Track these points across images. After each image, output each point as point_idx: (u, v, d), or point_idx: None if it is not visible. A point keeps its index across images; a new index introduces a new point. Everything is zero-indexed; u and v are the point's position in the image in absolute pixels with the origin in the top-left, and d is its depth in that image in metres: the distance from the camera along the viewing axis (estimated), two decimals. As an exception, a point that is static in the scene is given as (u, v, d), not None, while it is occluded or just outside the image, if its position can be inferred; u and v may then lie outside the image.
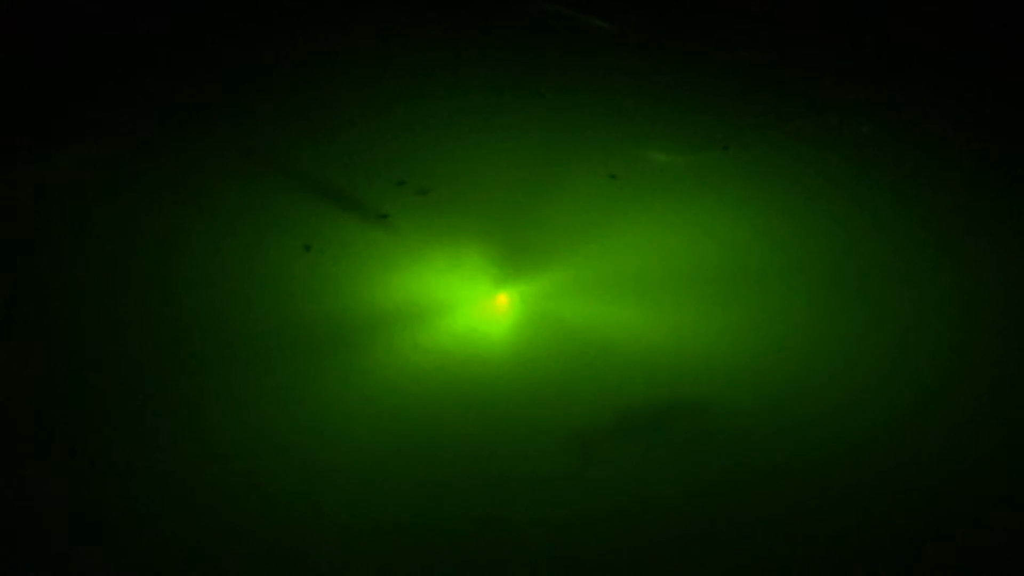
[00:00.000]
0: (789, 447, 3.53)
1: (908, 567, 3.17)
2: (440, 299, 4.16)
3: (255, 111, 5.06)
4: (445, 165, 4.75)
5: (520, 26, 5.45)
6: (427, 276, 4.26)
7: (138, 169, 4.76)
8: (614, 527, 3.28)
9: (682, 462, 3.48)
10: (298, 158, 4.81)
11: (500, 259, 4.34)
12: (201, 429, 3.62)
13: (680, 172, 4.70)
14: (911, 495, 3.36)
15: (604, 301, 4.13)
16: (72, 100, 5.12)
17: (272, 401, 3.73)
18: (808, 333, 3.94)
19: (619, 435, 3.59)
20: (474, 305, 4.15)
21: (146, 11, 5.45)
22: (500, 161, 4.77)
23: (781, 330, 3.95)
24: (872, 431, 3.57)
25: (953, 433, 3.55)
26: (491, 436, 3.62)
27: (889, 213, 4.46)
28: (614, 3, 5.55)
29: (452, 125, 4.96)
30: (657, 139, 4.87)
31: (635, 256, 4.32)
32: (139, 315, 4.06)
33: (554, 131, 4.92)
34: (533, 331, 4.03)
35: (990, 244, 4.29)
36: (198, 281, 4.21)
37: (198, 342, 3.96)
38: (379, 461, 3.53)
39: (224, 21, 5.52)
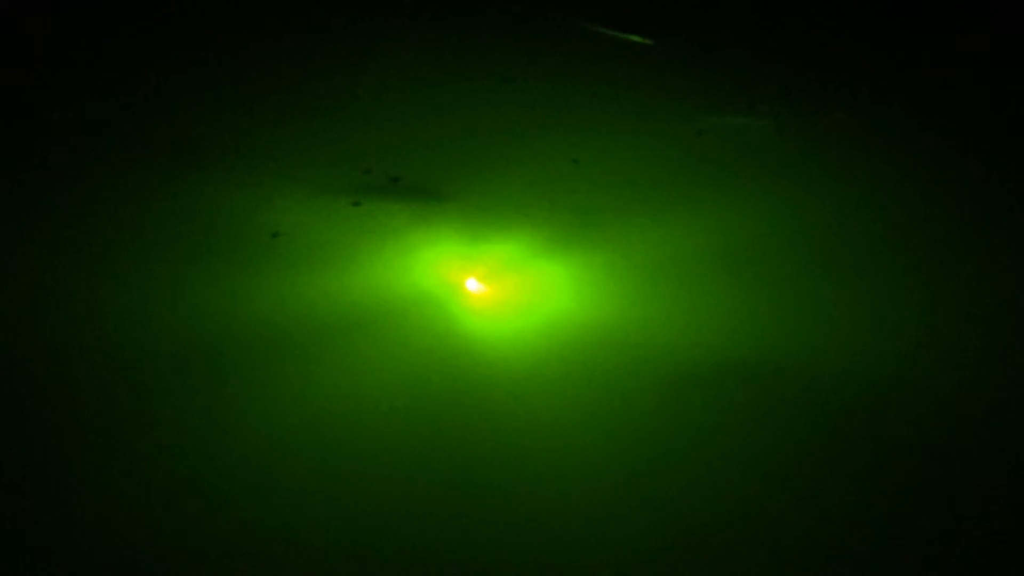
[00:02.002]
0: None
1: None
2: (413, 284, 4.08)
3: (221, 99, 4.95)
4: (412, 152, 4.67)
5: (486, 11, 5.41)
6: (400, 262, 4.18)
7: (100, 156, 4.62)
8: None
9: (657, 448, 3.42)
10: (263, 147, 4.70)
11: (472, 244, 4.28)
12: (165, 425, 3.50)
13: (652, 157, 4.66)
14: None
15: (574, 285, 4.08)
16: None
17: (242, 395, 3.62)
18: (782, 311, 3.94)
19: (592, 425, 3.52)
20: (449, 290, 4.08)
21: None
22: (465, 148, 4.70)
23: (745, 311, 3.94)
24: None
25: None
26: (473, 423, 3.54)
27: (859, 196, 4.48)
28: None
29: (417, 112, 4.88)
30: (628, 125, 4.83)
31: (604, 242, 4.29)
32: (101, 308, 3.92)
33: (521, 116, 4.86)
34: (509, 316, 3.96)
35: (963, 227, 4.31)
36: (162, 264, 4.10)
37: (164, 332, 3.83)
38: (357, 456, 3.42)
39: (189, 6, 5.41)
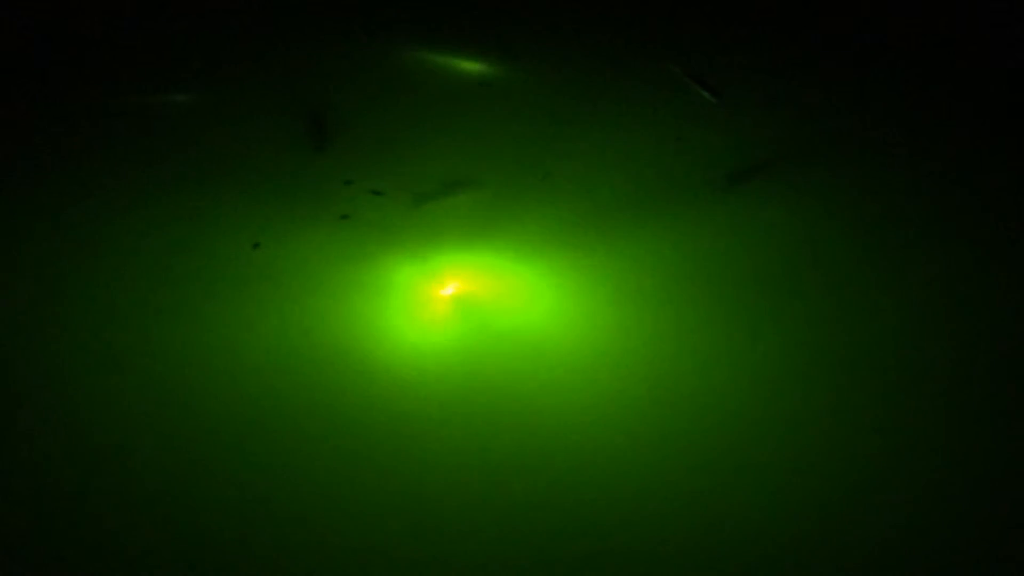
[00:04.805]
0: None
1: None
2: (395, 293, 4.08)
3: (198, 109, 4.84)
4: (392, 163, 4.62)
5: (463, 12, 5.27)
6: (380, 272, 4.17)
7: (77, 163, 4.56)
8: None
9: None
10: (241, 155, 4.62)
11: (453, 252, 4.31)
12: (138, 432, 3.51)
13: (631, 163, 4.64)
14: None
15: (554, 294, 4.12)
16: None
17: (221, 403, 3.63)
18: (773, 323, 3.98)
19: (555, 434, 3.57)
20: (429, 298, 4.08)
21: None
22: (443, 156, 4.66)
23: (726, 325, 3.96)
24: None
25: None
26: (449, 428, 3.59)
27: (847, 202, 4.46)
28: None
29: (395, 120, 4.80)
30: (608, 129, 4.79)
31: (587, 250, 4.32)
32: (72, 312, 3.89)
33: (499, 121, 4.80)
34: (488, 323, 3.97)
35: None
36: (139, 274, 4.11)
37: (138, 340, 3.81)
38: (329, 469, 3.46)
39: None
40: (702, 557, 3.26)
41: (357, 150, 4.64)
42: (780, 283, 4.11)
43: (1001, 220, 4.26)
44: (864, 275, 4.12)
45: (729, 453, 3.53)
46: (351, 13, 5.09)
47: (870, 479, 3.47)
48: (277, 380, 3.76)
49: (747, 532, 3.33)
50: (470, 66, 4.95)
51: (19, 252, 4.15)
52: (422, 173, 4.58)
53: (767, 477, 3.47)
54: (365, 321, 4.00)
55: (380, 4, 5.13)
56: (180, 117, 4.73)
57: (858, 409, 3.67)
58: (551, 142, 4.71)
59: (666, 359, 3.86)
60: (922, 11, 5.13)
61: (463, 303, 4.11)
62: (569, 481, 3.47)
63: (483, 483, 3.47)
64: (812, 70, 5.02)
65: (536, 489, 3.46)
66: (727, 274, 4.16)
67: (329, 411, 3.69)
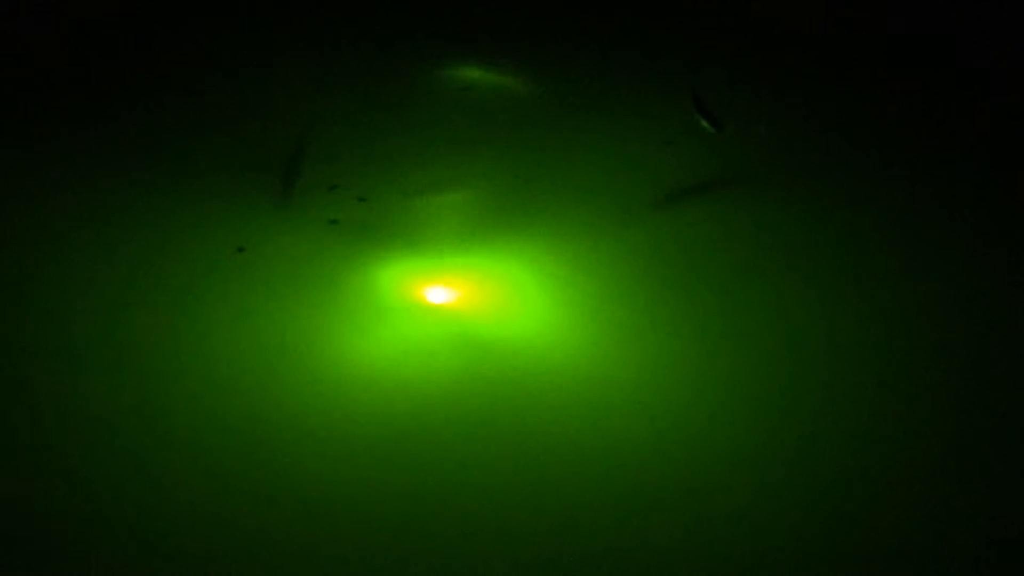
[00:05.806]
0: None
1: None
2: (377, 299, 4.07)
3: (183, 111, 4.93)
4: (377, 169, 4.64)
5: (448, 14, 5.37)
6: (363, 276, 4.16)
7: (59, 164, 4.60)
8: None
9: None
10: (224, 158, 4.67)
11: (438, 257, 4.26)
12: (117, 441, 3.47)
13: (620, 166, 4.63)
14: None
15: (539, 298, 4.07)
16: None
17: (202, 410, 3.59)
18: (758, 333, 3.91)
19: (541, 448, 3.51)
20: (412, 304, 4.06)
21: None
22: (426, 163, 4.68)
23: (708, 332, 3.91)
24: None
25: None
26: (434, 432, 3.52)
27: (838, 205, 4.45)
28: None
29: (379, 125, 4.85)
30: (596, 132, 4.80)
31: (574, 255, 4.26)
32: (56, 324, 3.89)
33: (480, 128, 4.83)
34: (476, 335, 3.94)
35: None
36: (117, 276, 4.07)
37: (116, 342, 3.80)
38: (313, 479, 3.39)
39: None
40: (695, 562, 3.16)
41: (341, 155, 4.69)
42: (774, 289, 4.07)
43: (982, 224, 4.30)
44: (852, 280, 4.09)
45: (721, 457, 3.44)
46: (335, 20, 5.22)
47: (858, 476, 3.38)
48: (260, 386, 3.70)
49: (740, 533, 3.23)
50: (452, 70, 5.03)
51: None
52: (407, 177, 4.60)
53: (758, 479, 3.37)
54: (351, 326, 3.95)
55: (363, 11, 5.25)
56: (165, 121, 4.79)
57: (846, 413, 3.60)
58: (535, 144, 4.73)
59: (655, 364, 3.78)
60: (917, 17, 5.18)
61: (450, 308, 4.08)
62: (558, 489, 3.38)
63: (469, 491, 3.39)
64: (802, 78, 5.06)
65: (524, 498, 3.38)
66: (717, 279, 4.13)
67: (313, 417, 3.63)
